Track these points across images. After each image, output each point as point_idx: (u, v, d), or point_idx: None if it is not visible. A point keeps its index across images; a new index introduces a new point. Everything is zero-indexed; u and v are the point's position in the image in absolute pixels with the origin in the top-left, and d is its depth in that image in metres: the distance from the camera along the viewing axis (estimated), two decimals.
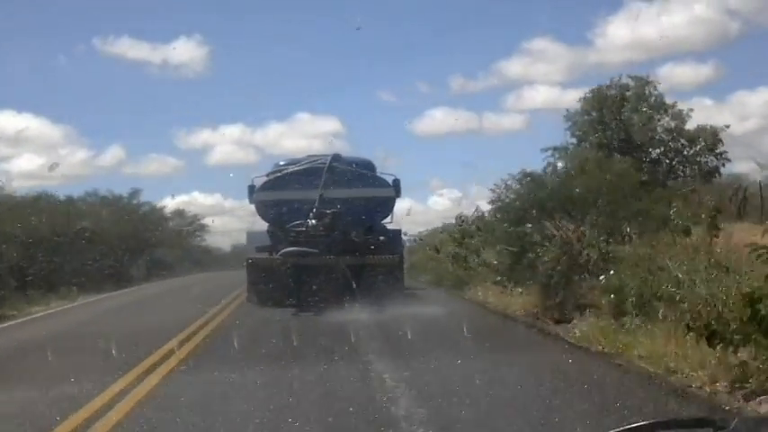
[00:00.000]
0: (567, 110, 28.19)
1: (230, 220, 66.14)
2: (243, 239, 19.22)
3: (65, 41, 58.39)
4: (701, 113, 45.56)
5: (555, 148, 23.82)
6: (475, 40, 53.52)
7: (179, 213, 48.16)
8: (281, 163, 18.01)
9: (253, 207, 17.03)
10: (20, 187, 40.72)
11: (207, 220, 49.01)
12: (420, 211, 55.18)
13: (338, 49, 59.08)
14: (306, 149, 58.77)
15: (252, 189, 17.23)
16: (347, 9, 52.67)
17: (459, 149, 57.18)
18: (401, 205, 29.24)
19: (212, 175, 63.55)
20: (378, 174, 17.31)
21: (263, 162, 60.19)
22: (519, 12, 54.41)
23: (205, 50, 64.60)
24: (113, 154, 66.97)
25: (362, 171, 17.00)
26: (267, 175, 17.43)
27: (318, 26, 59.14)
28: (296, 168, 16.91)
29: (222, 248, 53.34)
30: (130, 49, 64.91)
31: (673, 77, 52.87)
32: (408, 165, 48.41)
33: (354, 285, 15.20)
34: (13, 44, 52.11)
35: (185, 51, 58.87)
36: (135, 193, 39.34)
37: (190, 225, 49.65)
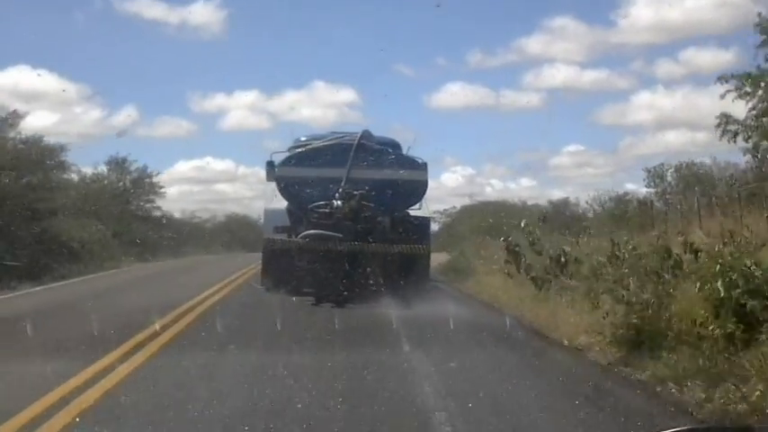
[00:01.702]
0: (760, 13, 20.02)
1: (242, 186, 65.24)
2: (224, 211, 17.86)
3: None
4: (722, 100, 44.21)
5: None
6: (495, 16, 52.21)
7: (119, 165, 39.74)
8: (303, 138, 16.60)
9: (272, 185, 15.59)
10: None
11: (158, 178, 40.89)
12: (432, 186, 53.85)
13: (357, 20, 57.88)
14: (320, 118, 58.05)
15: (271, 165, 15.77)
16: None
17: (474, 126, 56.18)
18: None
19: (226, 140, 62.55)
20: (409, 155, 15.90)
21: (277, 129, 59.16)
22: None
23: (223, 14, 63.33)
24: (127, 114, 65.43)
25: (394, 151, 15.60)
26: (289, 150, 16.03)
27: None
28: (321, 144, 15.48)
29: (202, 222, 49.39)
30: (148, 8, 63.78)
31: (693, 61, 51.60)
32: (422, 139, 47.32)
33: (379, 276, 13.89)
34: (29, 0, 50.77)
35: (203, 14, 57.88)
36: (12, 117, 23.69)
37: (137, 187, 40.42)
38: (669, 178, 32.22)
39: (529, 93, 59.56)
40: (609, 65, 65.95)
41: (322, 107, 60.18)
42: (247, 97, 62.10)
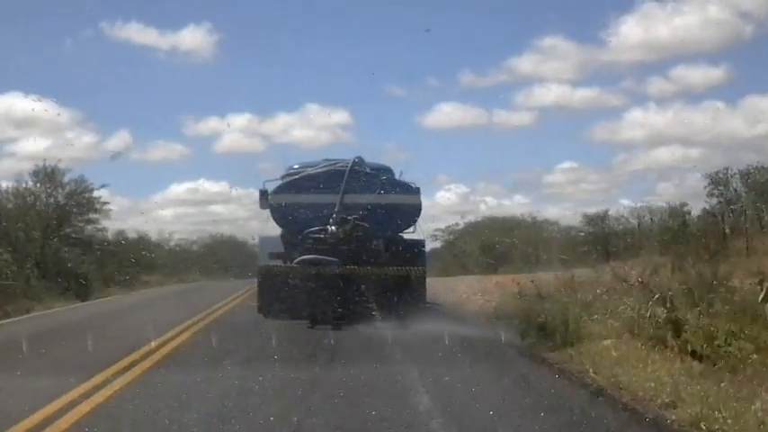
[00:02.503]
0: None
1: (236, 207, 65.19)
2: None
3: (72, 25, 58.20)
4: (713, 117, 44.73)
5: None
6: (485, 36, 52.91)
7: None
8: (296, 166, 16.73)
9: (266, 212, 15.73)
10: (26, 169, 37.07)
11: (99, 192, 32.94)
12: (427, 205, 54.12)
13: (348, 41, 58.54)
14: (314, 140, 58.31)
15: (264, 194, 15.96)
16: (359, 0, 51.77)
17: (467, 145, 56.55)
18: None
19: (219, 162, 62.73)
20: (402, 180, 16.05)
21: (270, 151, 59.27)
22: (530, 9, 53.87)
23: (214, 38, 63.81)
24: (120, 139, 65.41)
25: (387, 176, 15.76)
26: (282, 178, 16.20)
27: (329, 17, 58.46)
28: (314, 171, 15.64)
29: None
30: (138, 34, 64.45)
31: (684, 79, 52.29)
32: (416, 159, 47.78)
33: (375, 299, 14.03)
34: (20, 26, 51.75)
35: (194, 39, 58.34)
36: None
37: (75, 203, 32.82)
38: (734, 185, 28.18)
39: (521, 112, 60.31)
40: (600, 83, 66.57)
41: (315, 129, 60.70)
42: (240, 120, 62.31)
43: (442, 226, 38.10)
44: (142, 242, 40.65)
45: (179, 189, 70.94)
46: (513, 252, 24.63)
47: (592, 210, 33.09)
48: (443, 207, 55.88)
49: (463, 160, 61.87)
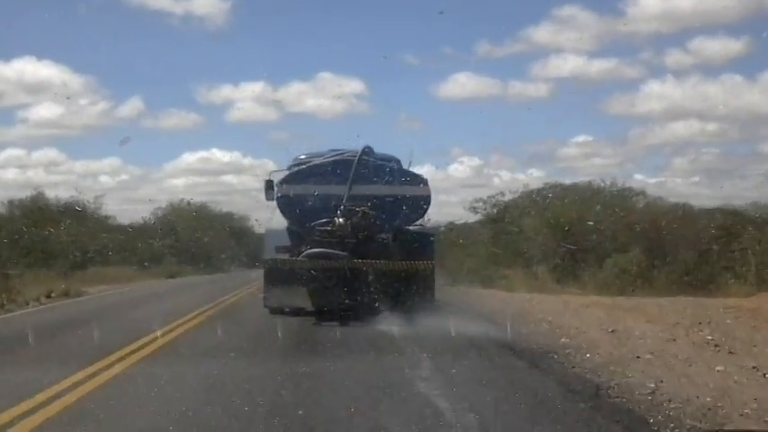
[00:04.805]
0: None
1: (248, 178, 64.73)
2: None
3: None
4: (731, 90, 43.70)
5: None
6: (503, 4, 51.95)
7: None
8: (302, 156, 16.38)
9: (272, 204, 15.37)
10: (38, 135, 35.55)
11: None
12: (440, 178, 53.86)
13: (363, 9, 57.84)
14: (328, 110, 58.04)
15: (270, 185, 15.60)
16: None
17: (481, 116, 55.70)
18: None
19: (232, 131, 62.19)
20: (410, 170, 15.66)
21: (283, 120, 58.60)
22: None
23: (227, 5, 63.03)
24: (133, 106, 64.89)
25: (396, 167, 15.36)
26: (288, 168, 15.83)
27: None
28: (321, 161, 15.26)
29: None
30: None
31: (703, 51, 51.47)
32: (429, 130, 46.88)
33: (384, 293, 13.74)
34: None
35: (208, 5, 57.81)
36: None
37: None
38: None
39: (536, 83, 59.31)
40: (618, 54, 65.24)
41: (330, 98, 60.03)
42: (253, 88, 61.52)
43: (484, 196, 30.30)
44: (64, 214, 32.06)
45: (191, 158, 70.53)
46: (600, 237, 16.85)
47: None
48: (456, 180, 55.15)
49: (477, 132, 61.22)
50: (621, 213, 17.87)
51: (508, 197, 28.65)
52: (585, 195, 23.34)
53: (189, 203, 48.64)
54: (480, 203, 29.08)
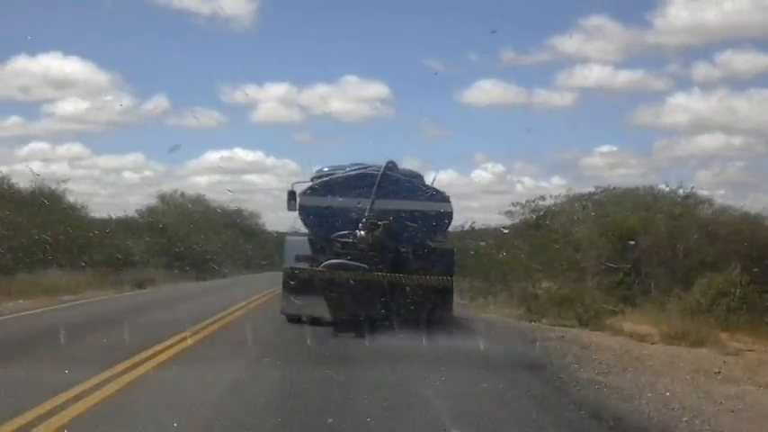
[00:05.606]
0: None
1: (271, 178, 64.95)
2: None
3: None
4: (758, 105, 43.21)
5: None
6: (529, 13, 52.04)
7: None
8: (325, 169, 16.60)
9: (294, 213, 15.53)
10: (63, 130, 33.84)
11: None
12: (462, 183, 54.00)
13: (390, 14, 58.24)
14: (353, 112, 58.36)
15: (292, 195, 15.83)
16: None
17: (505, 123, 55.64)
18: None
19: (255, 131, 62.59)
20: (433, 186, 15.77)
21: (307, 122, 58.77)
22: None
23: (254, 6, 63.60)
24: (157, 104, 65.45)
25: (419, 182, 15.49)
26: (311, 180, 16.02)
27: None
28: (345, 174, 15.41)
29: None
30: None
31: (731, 65, 51.25)
32: (453, 136, 46.86)
33: (403, 307, 13.81)
34: None
35: (234, 5, 58.44)
36: None
37: None
38: None
39: (562, 92, 59.50)
40: (644, 65, 65.10)
41: (354, 101, 60.41)
42: (278, 90, 62.11)
43: (532, 197, 26.67)
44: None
45: (214, 157, 70.80)
46: (661, 255, 13.73)
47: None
48: (479, 186, 54.93)
49: (501, 139, 61.19)
50: (707, 224, 15.25)
51: (549, 201, 25.65)
52: (647, 201, 20.62)
53: (182, 195, 45.70)
54: (518, 207, 26.19)
